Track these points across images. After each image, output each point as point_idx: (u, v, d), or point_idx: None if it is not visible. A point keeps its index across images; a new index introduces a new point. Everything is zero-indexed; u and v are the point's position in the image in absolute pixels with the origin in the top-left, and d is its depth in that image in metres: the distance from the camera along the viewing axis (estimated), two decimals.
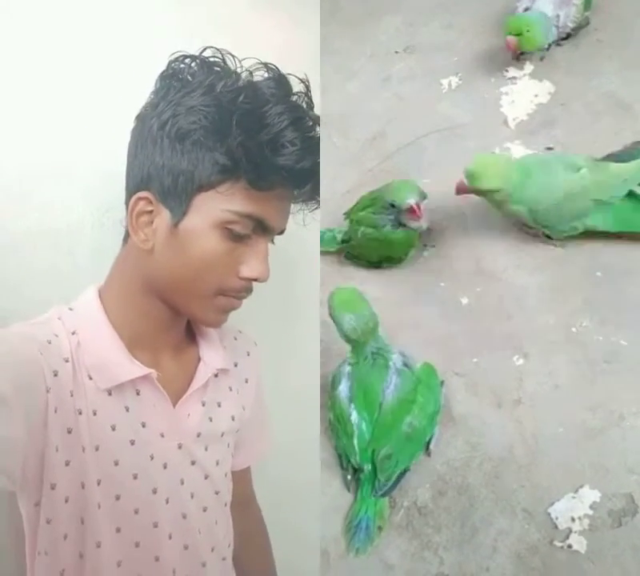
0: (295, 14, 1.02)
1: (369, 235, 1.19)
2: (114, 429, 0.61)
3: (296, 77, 0.60)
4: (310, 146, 0.57)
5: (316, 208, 0.66)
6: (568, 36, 1.34)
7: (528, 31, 1.25)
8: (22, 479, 0.56)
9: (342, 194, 1.35)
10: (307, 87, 0.61)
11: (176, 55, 0.60)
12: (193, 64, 0.60)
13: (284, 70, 0.92)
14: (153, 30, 0.79)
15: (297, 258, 0.98)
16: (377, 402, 1.02)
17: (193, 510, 0.66)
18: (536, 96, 1.32)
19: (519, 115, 1.31)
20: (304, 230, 0.97)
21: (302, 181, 0.59)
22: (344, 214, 1.29)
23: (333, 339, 1.04)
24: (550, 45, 1.33)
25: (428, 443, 1.06)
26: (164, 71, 0.61)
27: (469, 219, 1.23)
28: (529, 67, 1.35)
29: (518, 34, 1.24)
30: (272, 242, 0.65)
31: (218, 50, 0.60)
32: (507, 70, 1.36)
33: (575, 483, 0.98)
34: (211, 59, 0.60)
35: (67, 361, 0.59)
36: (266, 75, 0.60)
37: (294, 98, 0.60)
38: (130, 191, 0.62)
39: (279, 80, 0.59)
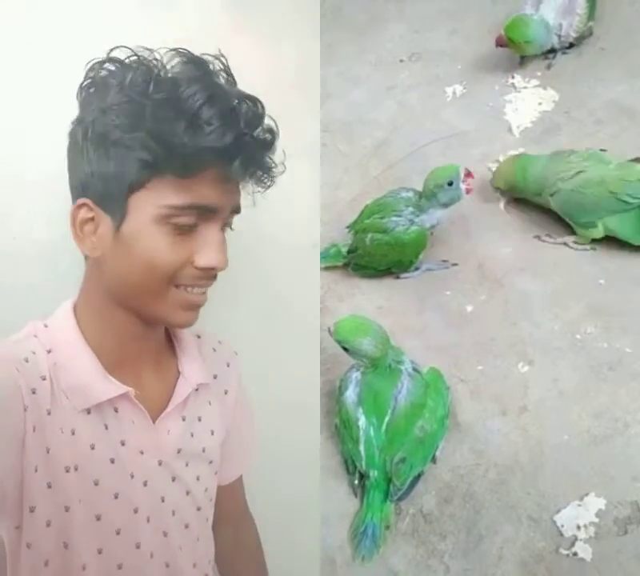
0: (295, 26, 1.03)
1: (379, 240, 1.20)
2: (93, 448, 0.59)
3: (210, 55, 0.58)
4: (231, 121, 0.55)
5: (269, 185, 0.63)
6: (571, 45, 1.35)
7: (526, 42, 1.28)
8: (1, 502, 0.55)
9: (346, 201, 1.35)
10: (224, 64, 0.58)
11: (91, 63, 0.58)
12: (107, 66, 0.58)
13: (285, 81, 0.93)
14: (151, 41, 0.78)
15: (297, 268, 0.99)
16: (387, 407, 1.02)
17: (174, 528, 0.65)
18: (540, 104, 1.32)
19: (523, 123, 1.32)
20: (305, 240, 0.99)
21: (229, 157, 0.55)
22: (347, 227, 1.29)
23: (337, 346, 1.05)
24: (555, 54, 1.34)
25: (444, 433, 1.05)
26: (82, 82, 0.59)
27: (472, 226, 1.23)
28: (533, 75, 1.36)
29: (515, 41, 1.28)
30: (230, 227, 0.63)
31: (129, 48, 0.58)
32: (513, 77, 1.37)
33: (580, 491, 0.97)
34: (129, 58, 0.58)
35: (44, 379, 0.57)
36: (178, 60, 0.57)
37: (209, 77, 0.57)
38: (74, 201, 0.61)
39: (191, 62, 0.56)
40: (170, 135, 0.53)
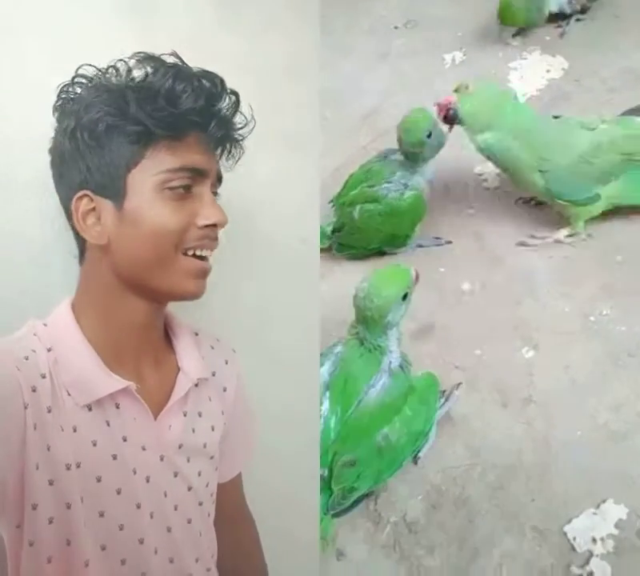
0: (291, 13, 0.97)
1: (370, 211, 1.12)
2: (95, 444, 0.62)
3: (165, 54, 0.67)
4: (201, 88, 0.65)
5: (234, 153, 0.73)
6: (584, 10, 1.31)
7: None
8: (1, 501, 0.57)
9: (330, 171, 1.28)
10: (178, 57, 0.67)
11: (60, 87, 0.67)
12: (76, 86, 0.67)
13: (282, 72, 0.93)
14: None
15: (295, 262, 0.94)
16: (355, 398, 0.91)
17: (177, 523, 0.68)
18: (548, 71, 1.28)
19: (529, 91, 1.27)
20: (301, 235, 0.95)
21: (208, 118, 0.66)
22: (330, 202, 1.21)
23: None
24: (568, 20, 1.31)
25: (417, 451, 0.96)
26: (55, 102, 0.67)
27: (471, 196, 1.17)
28: (540, 42, 1.32)
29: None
30: (216, 193, 0.70)
31: (94, 66, 0.67)
32: (518, 44, 1.33)
33: (596, 497, 0.91)
34: (85, 73, 0.67)
35: (44, 377, 0.61)
36: (136, 60, 0.66)
37: (169, 63, 0.66)
38: (68, 209, 0.66)
39: (149, 58, 0.66)
40: (154, 106, 0.62)
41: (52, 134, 0.68)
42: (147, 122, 0.62)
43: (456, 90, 1.00)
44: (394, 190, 1.09)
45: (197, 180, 0.65)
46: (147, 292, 0.66)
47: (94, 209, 0.65)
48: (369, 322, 0.89)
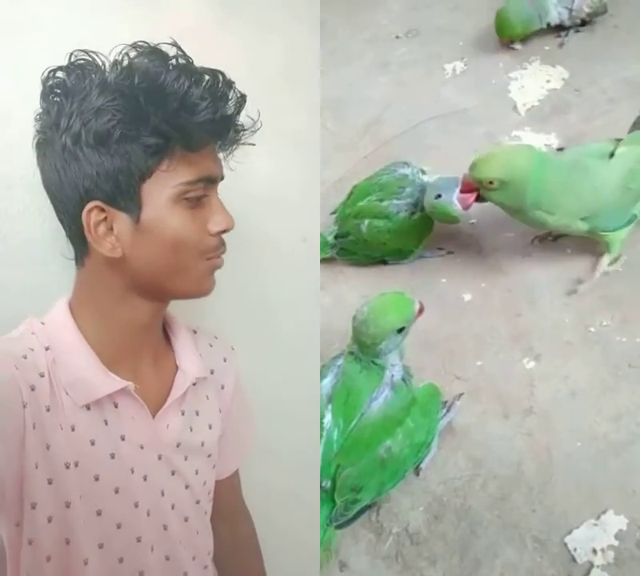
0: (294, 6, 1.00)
1: (379, 228, 1.11)
2: (93, 443, 0.62)
3: (165, 43, 0.64)
4: (219, 95, 0.63)
5: (236, 148, 0.72)
6: (584, 23, 1.31)
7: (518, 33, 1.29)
8: (1, 500, 0.57)
9: (332, 182, 1.28)
10: (179, 48, 0.64)
11: (45, 73, 0.63)
12: (65, 74, 0.63)
13: (281, 76, 0.93)
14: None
15: (295, 262, 0.94)
16: (358, 411, 0.91)
17: (174, 521, 0.68)
18: (548, 81, 1.28)
19: (529, 101, 1.27)
20: (302, 235, 0.95)
21: (225, 128, 0.65)
22: (333, 212, 1.20)
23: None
24: (568, 32, 1.31)
25: (418, 463, 0.95)
26: (43, 91, 0.64)
27: (472, 206, 1.13)
28: (541, 52, 1.31)
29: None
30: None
31: (83, 51, 0.63)
32: (518, 54, 1.33)
33: (597, 508, 0.90)
34: (79, 61, 0.63)
35: (43, 376, 0.61)
36: (138, 52, 0.63)
37: (175, 61, 0.63)
38: (71, 214, 0.64)
39: (154, 52, 0.63)
40: (173, 115, 0.60)
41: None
42: (168, 134, 0.60)
43: (477, 180, 0.96)
44: (404, 210, 1.09)
45: (208, 187, 0.65)
46: (158, 294, 0.66)
47: (105, 219, 0.63)
48: (362, 346, 0.89)
